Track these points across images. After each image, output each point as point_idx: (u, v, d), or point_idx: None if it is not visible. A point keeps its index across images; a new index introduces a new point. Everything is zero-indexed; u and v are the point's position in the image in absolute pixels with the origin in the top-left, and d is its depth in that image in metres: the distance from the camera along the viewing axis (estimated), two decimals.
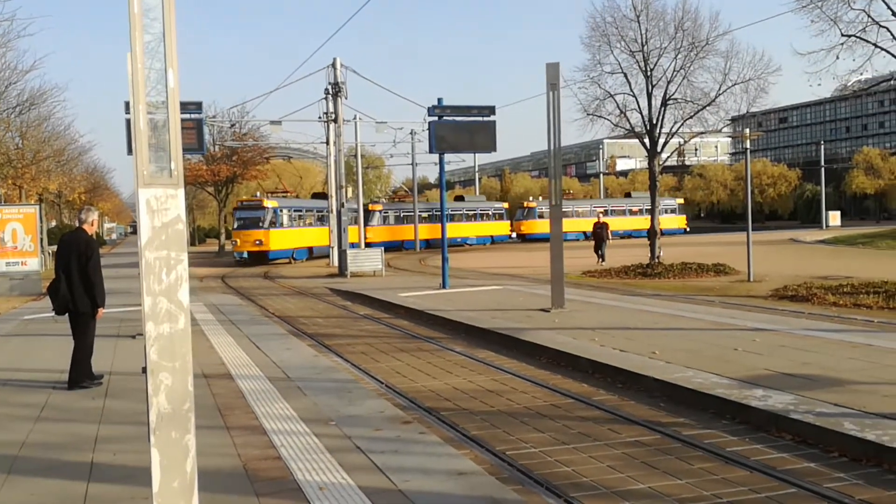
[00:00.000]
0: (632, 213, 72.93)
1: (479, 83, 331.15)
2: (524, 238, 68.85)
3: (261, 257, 44.23)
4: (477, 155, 66.98)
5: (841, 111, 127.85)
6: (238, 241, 45.13)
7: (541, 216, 66.82)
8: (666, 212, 66.92)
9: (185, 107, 22.64)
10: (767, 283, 21.99)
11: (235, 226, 46.29)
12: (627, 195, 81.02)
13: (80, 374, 10.22)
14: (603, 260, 33.44)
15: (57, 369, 11.07)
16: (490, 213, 70.36)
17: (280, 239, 45.07)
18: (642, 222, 64.46)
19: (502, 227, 70.67)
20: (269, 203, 45.30)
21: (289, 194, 52.88)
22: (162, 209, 4.35)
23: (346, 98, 36.77)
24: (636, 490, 6.53)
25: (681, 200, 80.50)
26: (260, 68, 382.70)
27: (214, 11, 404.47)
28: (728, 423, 8.43)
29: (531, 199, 78.11)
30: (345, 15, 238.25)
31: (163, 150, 4.38)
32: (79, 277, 10.05)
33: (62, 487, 6.36)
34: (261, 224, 44.15)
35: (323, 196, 49.69)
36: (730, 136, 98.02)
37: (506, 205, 77.56)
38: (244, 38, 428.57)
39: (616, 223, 67.54)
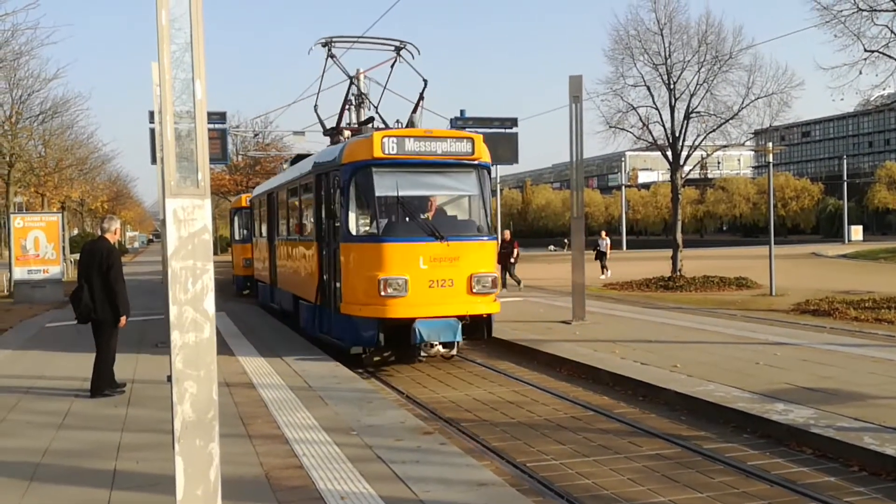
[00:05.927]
0: None
1: (502, 94, 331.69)
2: None
3: None
4: (499, 166, 66.08)
5: (864, 126, 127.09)
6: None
7: None
8: None
9: (209, 117, 22.75)
10: (789, 298, 21.84)
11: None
12: None
13: (103, 382, 10.26)
14: (517, 283, 26.56)
15: (79, 377, 11.11)
16: None
17: None
18: None
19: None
20: None
21: None
22: (189, 219, 4.40)
23: (368, 109, 36.78)
24: (656, 503, 6.52)
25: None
26: (283, 78, 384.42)
27: (238, 20, 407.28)
28: (749, 436, 8.41)
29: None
30: (368, 23, 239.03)
31: (189, 160, 4.43)
32: (101, 286, 10.13)
33: (85, 495, 6.40)
34: None
35: None
36: (752, 150, 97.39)
37: None
38: (267, 47, 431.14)
39: None
